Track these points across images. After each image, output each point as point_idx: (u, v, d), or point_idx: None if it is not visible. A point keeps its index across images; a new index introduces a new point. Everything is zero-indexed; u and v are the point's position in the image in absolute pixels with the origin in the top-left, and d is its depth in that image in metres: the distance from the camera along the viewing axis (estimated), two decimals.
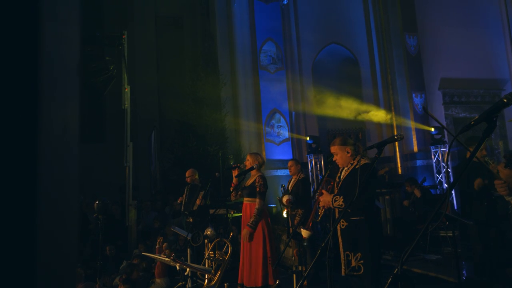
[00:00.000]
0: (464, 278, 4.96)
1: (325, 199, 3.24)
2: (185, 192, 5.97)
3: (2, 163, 0.47)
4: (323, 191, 3.32)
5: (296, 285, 3.87)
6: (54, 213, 0.54)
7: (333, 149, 3.38)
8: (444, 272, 5.66)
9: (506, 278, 4.95)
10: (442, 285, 5.36)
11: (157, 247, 5.89)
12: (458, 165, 5.09)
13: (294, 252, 4.91)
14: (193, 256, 5.19)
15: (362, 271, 3.06)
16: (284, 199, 5.11)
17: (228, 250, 4.52)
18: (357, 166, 3.19)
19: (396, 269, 1.47)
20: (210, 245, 4.63)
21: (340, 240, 3.24)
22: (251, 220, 4.61)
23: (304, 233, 3.49)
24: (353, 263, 3.11)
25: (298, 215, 5.28)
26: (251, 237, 4.65)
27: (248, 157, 4.93)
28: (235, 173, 4.80)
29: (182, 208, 5.93)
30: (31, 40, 0.51)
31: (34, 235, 0.47)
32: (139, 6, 14.03)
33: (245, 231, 4.65)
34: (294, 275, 4.46)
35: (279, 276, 4.77)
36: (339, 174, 3.39)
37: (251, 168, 4.72)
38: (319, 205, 3.36)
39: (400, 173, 12.25)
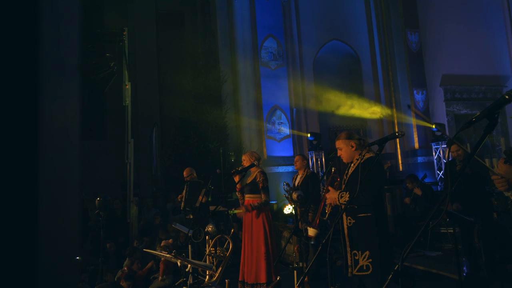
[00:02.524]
0: (464, 274, 4.96)
1: (331, 196, 3.15)
2: (185, 189, 5.98)
3: (3, 160, 0.47)
4: (330, 187, 3.22)
5: (297, 282, 3.87)
6: (55, 211, 0.54)
7: (338, 143, 3.29)
8: (445, 268, 5.66)
9: (507, 275, 4.95)
10: (443, 281, 5.36)
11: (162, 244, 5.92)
12: (451, 161, 5.05)
13: (295, 248, 4.92)
14: (194, 253, 5.20)
15: (370, 270, 2.90)
16: (294, 195, 5.09)
17: (229, 246, 4.52)
18: (362, 161, 3.11)
19: (397, 266, 1.47)
20: (211, 241, 4.64)
21: (346, 239, 3.09)
22: (255, 204, 4.62)
23: (311, 231, 3.42)
24: (361, 262, 2.95)
25: (311, 210, 5.25)
26: (245, 210, 4.67)
27: (243, 158, 4.94)
28: (236, 178, 4.79)
29: (183, 205, 5.94)
30: (31, 37, 0.51)
31: (35, 233, 0.48)
32: (140, 2, 14.00)
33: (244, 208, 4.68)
34: (295, 272, 4.47)
35: (279, 273, 4.78)
36: (346, 171, 3.29)
37: (252, 165, 4.72)
38: (326, 203, 3.27)
39: (401, 169, 12.25)
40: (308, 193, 5.28)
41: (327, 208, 3.35)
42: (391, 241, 3.18)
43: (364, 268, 2.94)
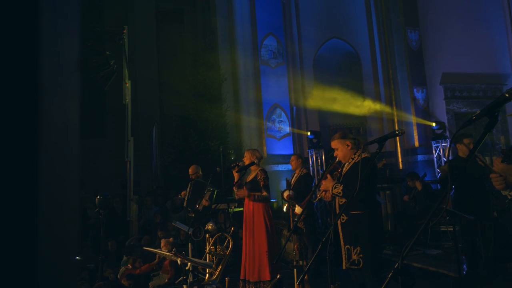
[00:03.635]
0: (464, 272, 4.97)
1: (327, 184, 3.28)
2: (189, 187, 5.90)
3: (3, 159, 0.47)
4: (328, 175, 3.33)
5: (297, 280, 3.88)
6: (55, 210, 0.54)
7: (333, 144, 3.40)
8: (445, 266, 5.67)
9: (506, 273, 4.96)
10: (443, 279, 5.37)
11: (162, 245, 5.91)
12: (452, 159, 5.07)
13: (295, 246, 4.92)
14: (194, 251, 5.21)
15: (361, 264, 3.09)
16: (285, 194, 5.13)
17: (229, 244, 4.53)
18: (357, 160, 3.21)
19: (397, 264, 1.48)
20: (211, 239, 4.64)
21: (340, 234, 3.26)
22: (256, 194, 4.62)
23: (297, 209, 3.55)
24: (353, 257, 3.13)
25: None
26: (241, 194, 4.66)
27: (245, 154, 4.95)
28: (236, 176, 4.78)
29: (185, 203, 5.90)
30: (30, 34, 0.50)
31: (35, 232, 0.47)
32: (140, 0, 13.97)
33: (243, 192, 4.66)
34: (295, 270, 4.47)
35: (280, 271, 4.78)
36: (340, 170, 3.40)
37: (252, 163, 4.72)
38: (320, 188, 3.39)
39: (401, 168, 12.25)
40: (300, 193, 5.28)
41: (318, 193, 3.47)
42: (389, 239, 3.28)
43: (356, 262, 3.13)
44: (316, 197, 3.53)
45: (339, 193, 3.17)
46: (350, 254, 3.17)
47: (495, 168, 2.22)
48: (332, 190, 3.22)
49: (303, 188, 5.44)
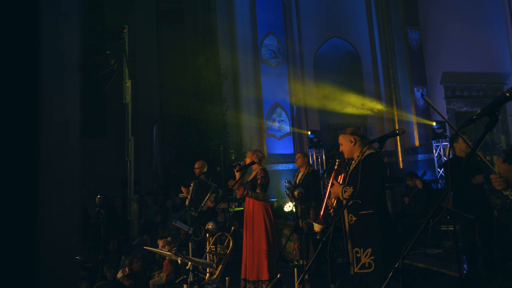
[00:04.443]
0: (465, 272, 4.97)
1: (336, 190, 3.14)
2: (192, 186, 5.84)
3: (3, 159, 0.47)
4: (334, 181, 3.22)
5: (297, 279, 3.88)
6: (55, 209, 0.54)
7: (339, 138, 3.34)
8: (445, 266, 5.67)
9: (507, 272, 4.96)
10: (443, 279, 5.37)
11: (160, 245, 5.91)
12: (451, 159, 5.05)
13: (295, 246, 4.92)
14: (194, 250, 5.21)
15: (373, 267, 2.89)
16: (296, 192, 5.12)
17: (230, 244, 4.53)
18: (362, 158, 3.10)
19: (397, 264, 1.48)
20: (212, 239, 4.64)
21: (348, 236, 3.08)
22: (249, 191, 4.62)
23: (317, 227, 3.44)
24: (363, 260, 2.94)
25: (312, 208, 5.33)
26: (236, 188, 4.62)
27: (247, 154, 4.97)
28: (237, 175, 4.78)
29: (187, 202, 5.86)
30: (31, 33, 0.50)
31: (35, 232, 0.47)
32: (140, 0, 13.97)
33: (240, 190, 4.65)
34: (295, 269, 4.47)
35: (280, 270, 4.78)
36: (348, 168, 3.31)
37: (252, 163, 4.72)
38: (330, 197, 3.26)
39: (401, 167, 12.25)
40: (309, 191, 5.32)
41: (330, 202, 3.33)
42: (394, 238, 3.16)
43: (366, 265, 2.93)
44: (330, 206, 3.38)
45: (350, 196, 3.00)
46: (359, 257, 2.97)
47: (496, 169, 2.21)
48: (342, 194, 3.06)
49: (311, 185, 5.50)
